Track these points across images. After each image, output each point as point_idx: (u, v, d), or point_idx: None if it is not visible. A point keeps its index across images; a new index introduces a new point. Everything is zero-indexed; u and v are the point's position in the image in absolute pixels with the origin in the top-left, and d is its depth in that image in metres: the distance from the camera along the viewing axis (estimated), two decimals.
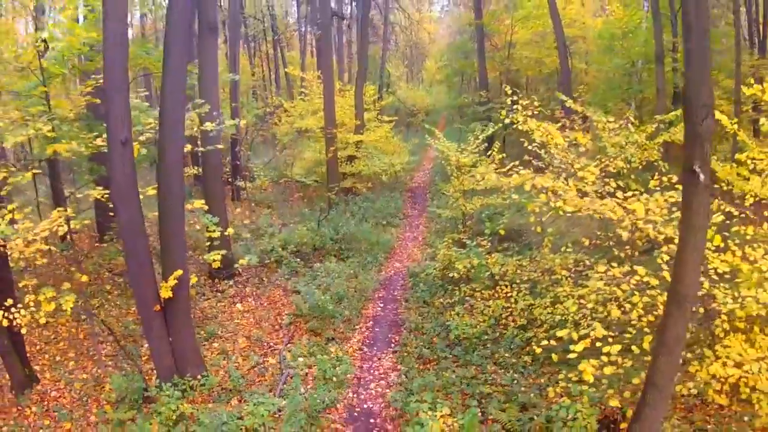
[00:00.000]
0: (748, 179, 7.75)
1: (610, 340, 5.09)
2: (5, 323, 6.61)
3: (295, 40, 39.65)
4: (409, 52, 45.96)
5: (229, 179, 17.89)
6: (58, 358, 9.03)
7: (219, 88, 12.58)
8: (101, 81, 9.64)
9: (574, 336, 5.03)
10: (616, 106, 19.07)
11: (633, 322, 6.04)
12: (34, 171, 7.77)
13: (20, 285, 8.73)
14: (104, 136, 8.35)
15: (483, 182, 7.30)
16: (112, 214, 11.53)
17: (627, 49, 18.94)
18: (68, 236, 8.75)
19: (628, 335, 5.61)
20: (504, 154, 13.56)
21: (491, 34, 25.67)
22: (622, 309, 5.73)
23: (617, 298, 5.73)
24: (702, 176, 3.96)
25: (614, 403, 5.23)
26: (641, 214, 5.36)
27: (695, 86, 4.45)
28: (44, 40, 7.25)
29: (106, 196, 9.38)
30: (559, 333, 5.34)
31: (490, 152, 13.33)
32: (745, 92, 7.47)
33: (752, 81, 7.43)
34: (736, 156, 8.12)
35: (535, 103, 9.77)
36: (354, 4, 33.97)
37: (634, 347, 5.46)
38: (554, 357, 5.84)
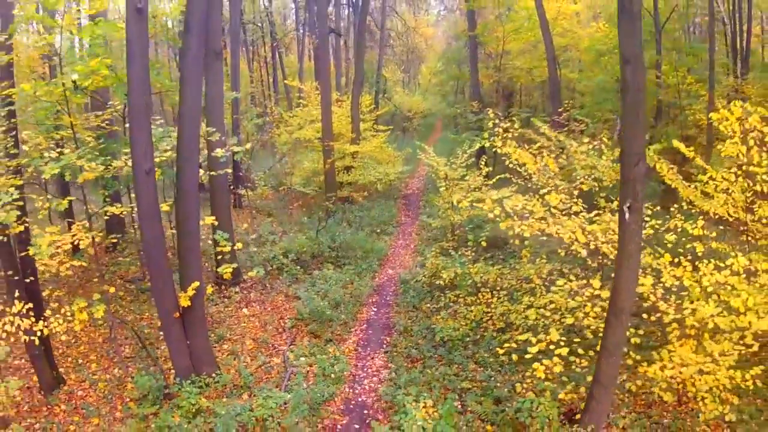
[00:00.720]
0: (713, 197, 8.54)
1: (562, 343, 5.99)
2: (46, 332, 7.37)
3: (293, 44, 40.10)
4: (405, 57, 46.13)
5: (231, 186, 18.55)
6: (80, 361, 9.56)
7: (223, 106, 13.34)
8: (118, 108, 10.55)
9: (532, 340, 5.92)
10: (604, 117, 19.68)
11: (592, 327, 6.94)
12: (70, 198, 8.53)
13: (44, 294, 9.47)
14: (123, 158, 9.23)
15: (461, 203, 8.15)
16: (132, 230, 12.31)
17: (612, 64, 19.16)
18: (91, 249, 9.55)
19: (578, 340, 6.49)
20: (491, 168, 14.39)
21: (484, 44, 26.01)
22: (578, 317, 6.62)
23: (573, 308, 6.61)
24: (628, 214, 4.86)
25: (563, 396, 6.13)
26: (582, 239, 6.29)
27: (629, 137, 5.32)
28: (74, 81, 8.05)
29: (125, 212, 10.26)
30: (520, 337, 6.23)
31: (479, 165, 14.19)
32: (713, 117, 8.18)
33: (719, 106, 8.11)
34: (699, 176, 8.92)
35: (515, 126, 10.65)
36: (351, 9, 34.55)
37: (581, 350, 6.33)
38: (514, 357, 6.68)
